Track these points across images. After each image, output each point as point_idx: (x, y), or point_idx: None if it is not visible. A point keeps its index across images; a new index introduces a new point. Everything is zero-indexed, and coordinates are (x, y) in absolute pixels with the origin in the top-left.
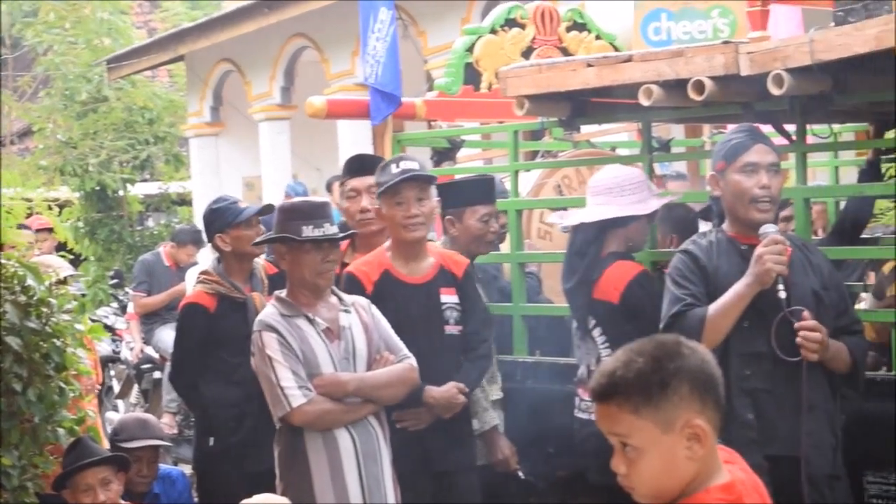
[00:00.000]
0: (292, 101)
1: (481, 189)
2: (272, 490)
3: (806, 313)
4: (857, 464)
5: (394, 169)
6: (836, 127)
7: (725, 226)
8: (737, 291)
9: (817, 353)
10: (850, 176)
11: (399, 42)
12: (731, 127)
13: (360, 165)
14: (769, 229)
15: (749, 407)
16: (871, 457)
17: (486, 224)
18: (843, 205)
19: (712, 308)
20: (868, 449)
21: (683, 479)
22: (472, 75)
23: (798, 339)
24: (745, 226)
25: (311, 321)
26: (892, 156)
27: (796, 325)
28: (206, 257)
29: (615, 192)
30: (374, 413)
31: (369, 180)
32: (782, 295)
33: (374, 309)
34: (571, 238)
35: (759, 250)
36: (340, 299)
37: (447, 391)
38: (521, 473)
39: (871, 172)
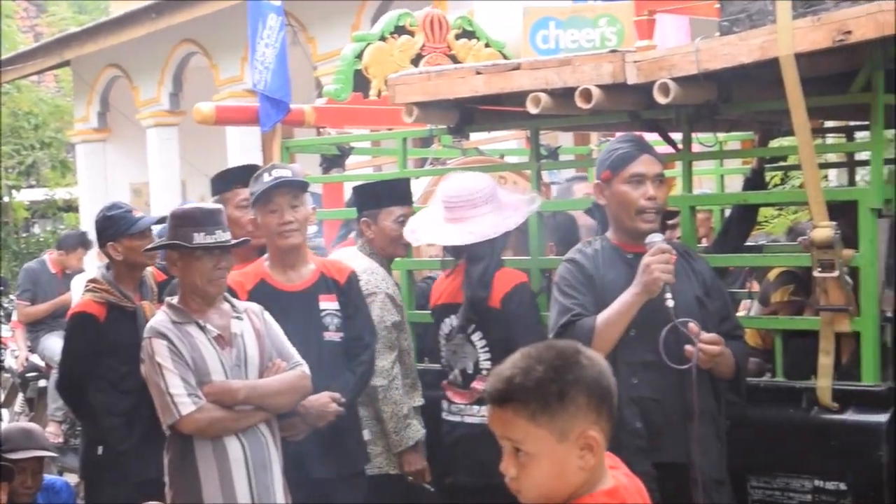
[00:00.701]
0: (181, 106)
1: (397, 190)
2: (161, 498)
3: (692, 324)
4: (742, 468)
5: (266, 178)
6: (722, 136)
7: (610, 234)
8: (625, 301)
9: (710, 365)
10: (735, 184)
11: (288, 48)
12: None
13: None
14: (655, 238)
15: (637, 415)
16: (755, 462)
17: (401, 225)
18: (728, 213)
19: (601, 318)
20: (752, 454)
21: (572, 485)
22: (361, 82)
23: (699, 354)
24: (630, 235)
25: (202, 328)
26: (777, 164)
27: (702, 337)
28: (93, 265)
29: (495, 198)
30: (265, 421)
31: None
32: (670, 304)
33: (266, 315)
34: (466, 248)
35: (646, 259)
36: (233, 306)
37: (319, 400)
38: (428, 486)
39: (755, 180)
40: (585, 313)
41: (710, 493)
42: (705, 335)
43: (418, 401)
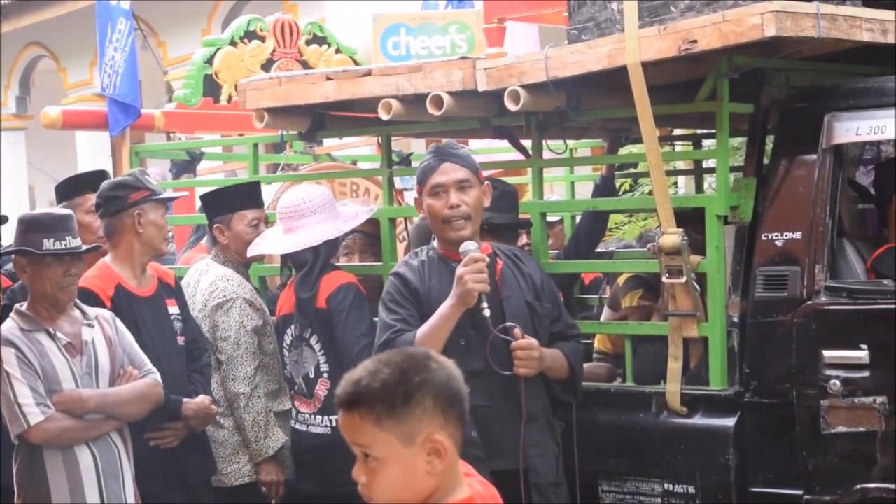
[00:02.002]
0: (28, 111)
1: (247, 193)
2: None
3: (517, 330)
4: (593, 473)
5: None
6: (572, 142)
7: (436, 244)
8: (442, 314)
9: (533, 368)
10: (585, 191)
11: (139, 53)
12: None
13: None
14: (469, 247)
15: (472, 424)
16: (606, 466)
17: (255, 228)
18: (578, 219)
19: (420, 332)
20: (603, 458)
21: (423, 492)
22: (212, 87)
23: (515, 361)
24: (450, 244)
25: (51, 336)
26: (626, 171)
27: (512, 345)
28: None
29: (328, 207)
30: (116, 429)
31: None
32: (486, 313)
33: (118, 323)
34: (293, 257)
35: (459, 270)
36: (84, 313)
37: (201, 403)
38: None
39: (605, 187)
40: (407, 328)
41: (549, 496)
42: (517, 342)
43: (285, 405)
